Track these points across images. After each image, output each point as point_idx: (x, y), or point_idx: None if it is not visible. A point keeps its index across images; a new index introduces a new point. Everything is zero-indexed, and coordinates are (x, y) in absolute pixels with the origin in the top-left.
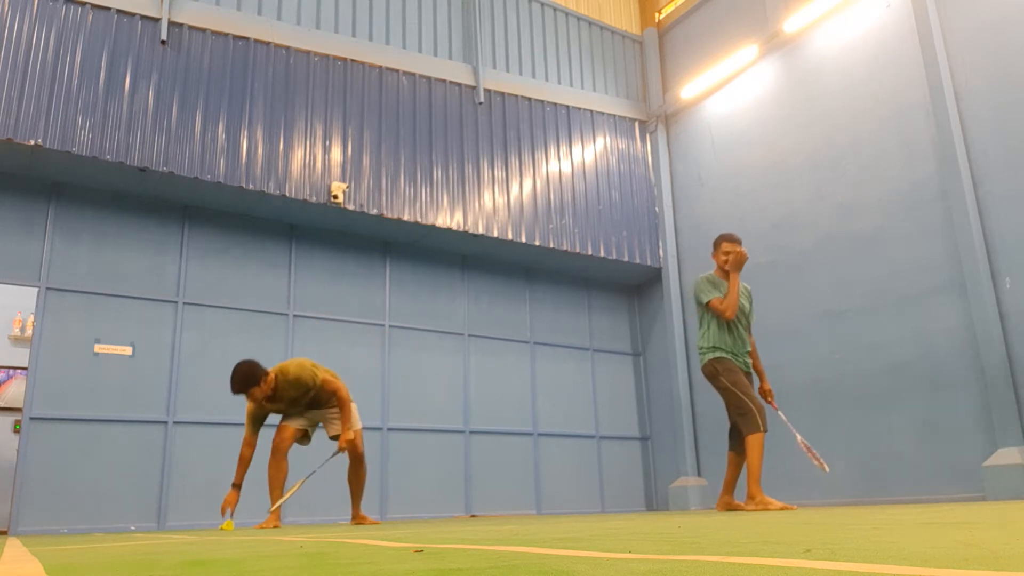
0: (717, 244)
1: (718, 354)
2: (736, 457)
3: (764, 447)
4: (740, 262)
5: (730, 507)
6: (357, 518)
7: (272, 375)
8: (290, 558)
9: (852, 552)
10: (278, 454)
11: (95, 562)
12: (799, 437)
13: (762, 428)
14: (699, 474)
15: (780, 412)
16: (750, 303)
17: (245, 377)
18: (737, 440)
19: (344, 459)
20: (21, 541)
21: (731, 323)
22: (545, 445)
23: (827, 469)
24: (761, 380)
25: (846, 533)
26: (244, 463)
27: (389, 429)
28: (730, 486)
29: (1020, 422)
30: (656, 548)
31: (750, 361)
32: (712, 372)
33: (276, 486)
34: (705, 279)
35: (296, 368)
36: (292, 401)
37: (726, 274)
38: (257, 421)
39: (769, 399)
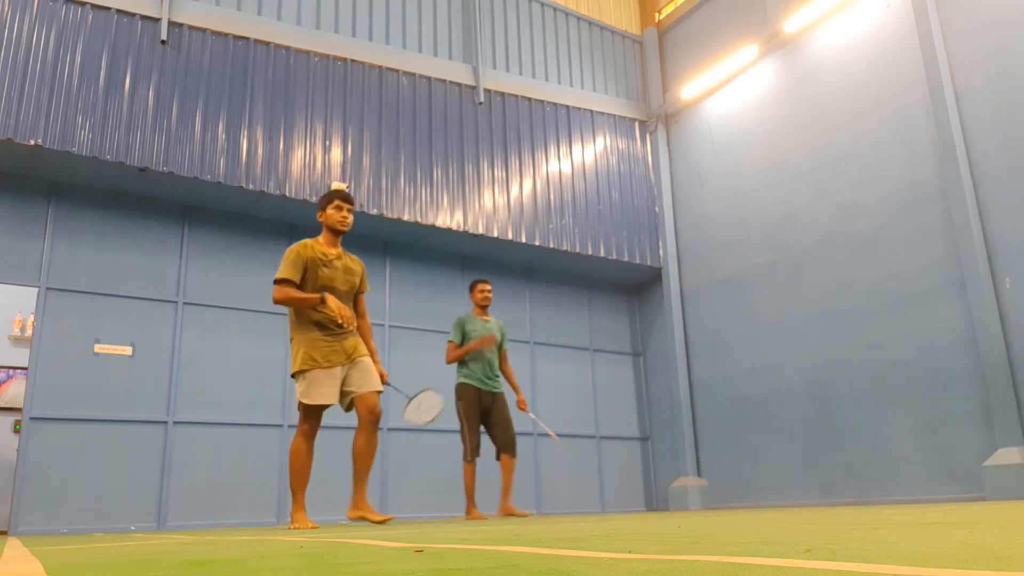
0: (473, 287)
1: (463, 380)
2: (506, 460)
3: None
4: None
5: (509, 512)
6: (362, 508)
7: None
8: (290, 558)
9: (852, 552)
10: (311, 439)
11: (95, 562)
12: (551, 433)
13: (470, 459)
14: (699, 474)
15: (531, 414)
16: (502, 334)
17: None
18: (505, 449)
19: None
20: (21, 541)
21: (480, 354)
22: (545, 445)
23: (559, 441)
24: (516, 393)
25: (846, 533)
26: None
27: (389, 429)
28: (506, 491)
29: (1020, 422)
30: (656, 548)
31: (498, 385)
32: (456, 394)
33: (305, 478)
34: (458, 319)
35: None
36: (346, 272)
37: (481, 310)
38: (298, 272)
39: (522, 407)
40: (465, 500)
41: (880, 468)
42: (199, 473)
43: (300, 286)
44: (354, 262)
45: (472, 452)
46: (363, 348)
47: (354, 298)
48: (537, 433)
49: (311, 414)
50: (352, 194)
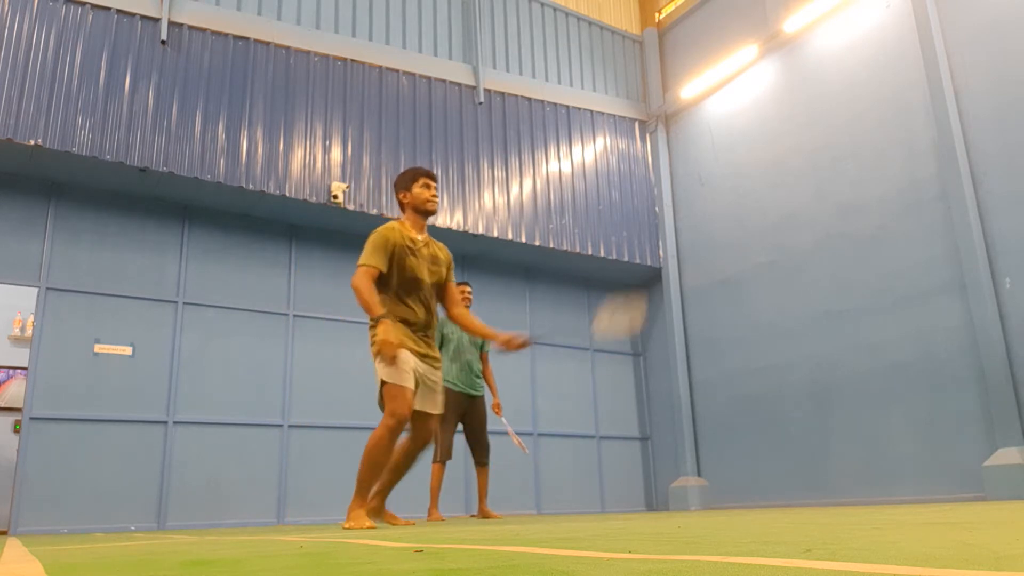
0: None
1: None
2: (479, 470)
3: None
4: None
5: (485, 515)
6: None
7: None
8: (290, 558)
9: (852, 552)
10: (396, 433)
11: (95, 562)
12: (520, 443)
13: (439, 460)
14: (699, 474)
15: (503, 420)
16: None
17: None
18: (477, 456)
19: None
20: (21, 541)
21: (459, 356)
22: (545, 445)
23: (526, 451)
24: (493, 396)
25: (846, 533)
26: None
27: None
28: (482, 496)
29: (1020, 422)
30: (656, 548)
31: (478, 388)
32: None
33: (377, 476)
34: (439, 320)
35: None
36: (432, 262)
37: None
38: (385, 258)
39: (496, 411)
40: (429, 499)
41: (880, 468)
42: (199, 473)
43: (387, 274)
44: (441, 250)
45: (442, 453)
46: (438, 358)
47: (441, 287)
48: (537, 433)
49: (399, 401)
50: (352, 194)
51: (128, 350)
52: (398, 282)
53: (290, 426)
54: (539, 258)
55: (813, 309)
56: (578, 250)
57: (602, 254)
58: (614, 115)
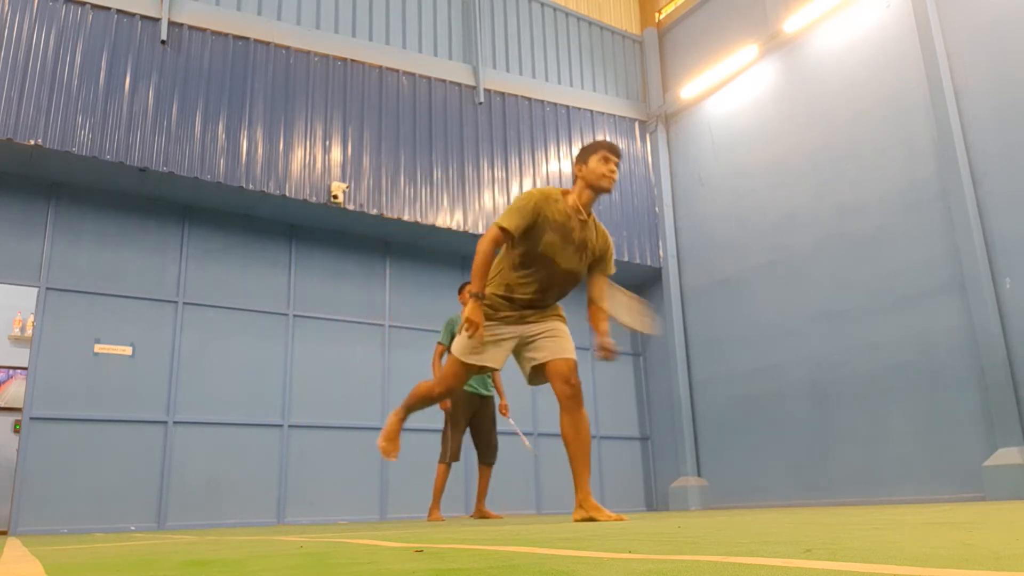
0: (462, 289)
1: None
2: (484, 469)
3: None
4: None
5: (483, 515)
6: (586, 507)
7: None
8: (290, 558)
9: (852, 552)
10: (440, 395)
11: (95, 562)
12: (527, 443)
13: (445, 460)
14: (699, 474)
15: (511, 421)
16: None
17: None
18: (484, 456)
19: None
20: (21, 541)
21: None
22: (545, 445)
23: (534, 451)
24: (500, 398)
25: (846, 533)
26: (487, 264)
27: None
28: (481, 495)
29: (1020, 422)
30: (656, 548)
31: (490, 389)
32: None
33: (417, 407)
34: (449, 320)
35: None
36: (579, 247)
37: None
38: (523, 222)
39: (504, 413)
40: (431, 499)
41: (880, 468)
42: (199, 473)
43: (521, 239)
44: (599, 237)
45: (450, 455)
46: (556, 316)
47: (590, 275)
48: (538, 433)
49: (450, 379)
50: (352, 194)
51: (128, 350)
52: (524, 251)
53: (290, 426)
54: None
55: (813, 309)
56: None
57: None
58: (614, 115)
